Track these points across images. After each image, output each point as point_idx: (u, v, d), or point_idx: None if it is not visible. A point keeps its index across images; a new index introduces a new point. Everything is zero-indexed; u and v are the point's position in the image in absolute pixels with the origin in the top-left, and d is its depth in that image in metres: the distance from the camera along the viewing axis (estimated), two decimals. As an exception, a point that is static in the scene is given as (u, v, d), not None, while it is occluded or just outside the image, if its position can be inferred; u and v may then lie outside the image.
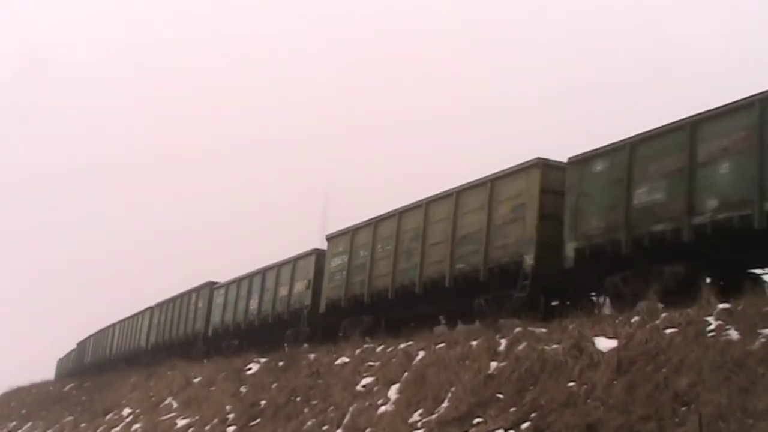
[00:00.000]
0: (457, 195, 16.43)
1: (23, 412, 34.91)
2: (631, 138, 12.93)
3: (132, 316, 36.34)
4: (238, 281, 26.28)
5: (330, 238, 21.11)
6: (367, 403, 13.44)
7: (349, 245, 19.86)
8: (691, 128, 11.88)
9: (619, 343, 10.18)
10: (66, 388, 37.33)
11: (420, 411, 11.95)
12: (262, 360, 20.33)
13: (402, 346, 15.08)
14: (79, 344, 47.63)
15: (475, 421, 10.47)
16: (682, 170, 11.86)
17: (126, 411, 24.49)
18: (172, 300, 31.39)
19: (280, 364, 18.80)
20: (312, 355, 17.90)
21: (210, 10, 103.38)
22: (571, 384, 9.98)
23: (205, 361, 24.74)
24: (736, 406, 7.58)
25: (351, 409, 13.64)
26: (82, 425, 25.87)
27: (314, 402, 15.25)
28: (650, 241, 12.28)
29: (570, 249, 13.61)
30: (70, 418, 28.17)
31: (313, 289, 21.60)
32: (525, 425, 9.62)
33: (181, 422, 19.57)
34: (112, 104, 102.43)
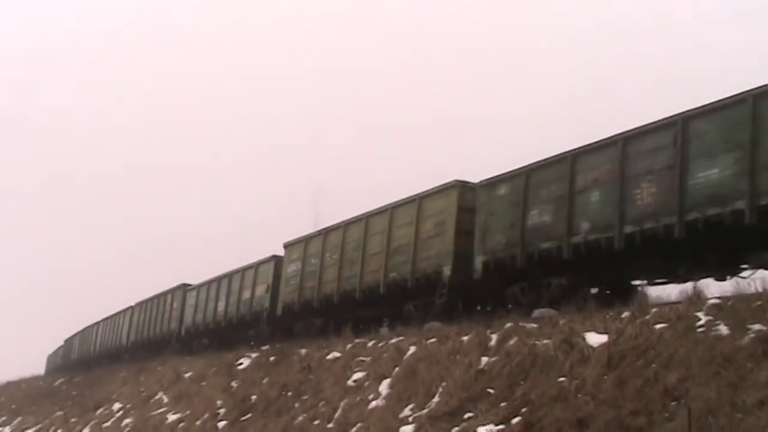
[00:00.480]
0: (391, 210, 18.19)
1: (13, 407, 34.77)
2: (527, 166, 14.82)
3: (114, 315, 37.41)
4: (208, 284, 27.66)
5: (286, 246, 22.63)
6: (358, 398, 13.45)
7: (303, 253, 21.53)
8: (572, 160, 13.75)
9: (609, 338, 10.22)
10: (56, 383, 37.21)
11: (411, 406, 11.96)
12: (254, 355, 20.32)
13: (393, 341, 15.09)
14: (66, 341, 47.88)
15: (466, 415, 10.49)
16: (564, 197, 13.74)
17: (116, 406, 24.43)
18: (150, 300, 32.67)
19: (272, 359, 18.78)
20: (303, 350, 17.89)
21: (198, 15, 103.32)
22: (562, 379, 10.01)
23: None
24: (726, 400, 7.61)
25: (342, 403, 13.65)
26: (72, 420, 25.78)
27: (305, 397, 15.25)
28: (539, 256, 14.17)
29: (479, 262, 15.43)
30: (60, 413, 28.07)
31: (271, 293, 23.10)
32: (515, 420, 9.63)
33: (171, 417, 19.54)
34: (101, 109, 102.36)
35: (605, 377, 9.49)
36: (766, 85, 11.12)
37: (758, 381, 7.69)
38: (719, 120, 11.63)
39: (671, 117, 12.27)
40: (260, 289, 23.94)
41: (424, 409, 11.57)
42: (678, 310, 10.22)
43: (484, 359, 11.82)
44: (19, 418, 31.44)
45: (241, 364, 20.20)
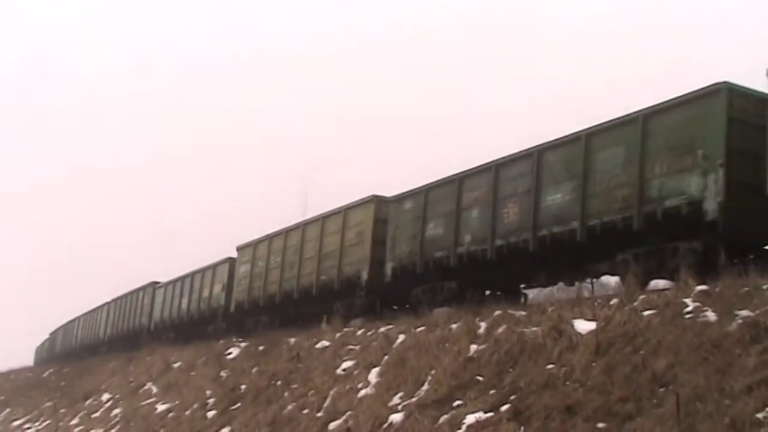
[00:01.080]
0: (323, 220, 20.70)
1: (2, 398, 34.67)
2: (426, 185, 17.24)
3: (93, 310, 39.41)
4: (174, 282, 29.96)
5: (239, 249, 25.16)
6: (347, 387, 13.44)
7: (252, 256, 23.96)
8: (459, 182, 16.18)
9: (597, 325, 10.22)
10: (45, 374, 37.13)
11: (400, 394, 11.95)
12: (243, 344, 20.30)
13: (382, 329, 15.09)
14: (51, 334, 48.31)
15: (455, 403, 10.48)
16: (453, 213, 16.11)
17: (105, 396, 24.39)
18: (124, 297, 34.97)
19: (261, 348, 18.77)
20: (292, 340, 17.88)
21: (192, 12, 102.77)
22: (551, 366, 10.01)
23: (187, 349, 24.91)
24: (713, 386, 7.62)
25: (331, 392, 13.64)
26: (62, 410, 25.74)
27: (294, 386, 15.24)
28: (434, 264, 16.55)
29: (389, 267, 17.87)
30: (49, 403, 28.02)
31: (226, 292, 25.55)
32: (504, 407, 9.62)
33: (161, 407, 19.51)
34: (92, 102, 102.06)
35: (594, 364, 9.49)
36: (596, 126, 13.47)
37: (746, 367, 7.70)
38: (563, 153, 14.01)
39: (530, 149, 14.61)
40: (217, 288, 26.26)
41: (413, 397, 11.56)
42: (666, 296, 10.23)
43: (473, 347, 11.82)
44: (8, 410, 31.38)
45: (230, 353, 20.18)
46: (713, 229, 11.40)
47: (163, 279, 31.73)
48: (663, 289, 10.90)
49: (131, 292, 33.96)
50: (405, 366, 12.64)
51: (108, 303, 36.70)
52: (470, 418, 9.79)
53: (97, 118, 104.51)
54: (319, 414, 13.16)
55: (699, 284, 10.19)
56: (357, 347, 15.02)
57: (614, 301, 10.90)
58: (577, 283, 14.33)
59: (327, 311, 19.03)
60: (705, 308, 9.32)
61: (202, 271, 27.59)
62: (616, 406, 8.34)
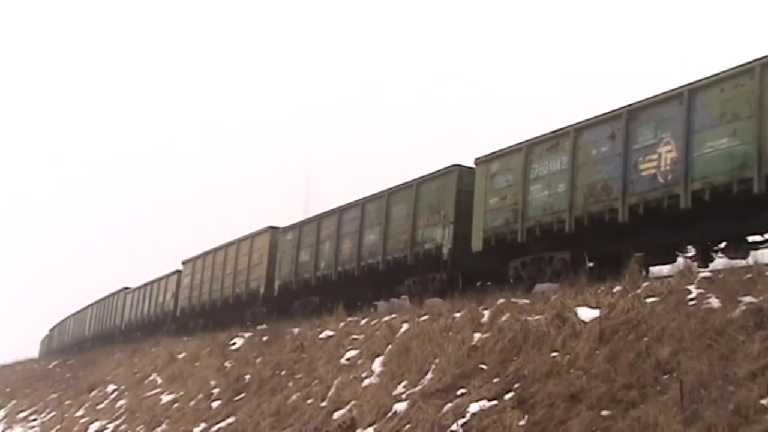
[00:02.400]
0: (238, 243, 25.62)
1: (7, 390, 34.79)
2: (301, 221, 22.58)
3: (81, 310, 42.86)
4: (139, 288, 34.25)
5: (183, 263, 29.94)
6: (351, 376, 13.46)
7: (192, 270, 28.76)
8: (319, 220, 21.29)
9: (601, 312, 10.22)
10: (50, 366, 37.23)
11: (404, 383, 11.97)
12: (247, 335, 20.34)
13: (386, 319, 15.10)
14: (51, 330, 49.36)
15: (459, 392, 10.50)
16: (314, 244, 21.15)
17: (111, 387, 24.47)
18: (103, 300, 39.06)
19: (265, 338, 18.80)
20: (296, 330, 17.91)
21: (199, 10, 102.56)
22: (554, 354, 10.02)
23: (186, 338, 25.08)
24: (717, 373, 7.62)
25: (335, 382, 13.66)
26: (67, 402, 25.82)
27: (299, 376, 15.27)
28: (303, 283, 21.54)
29: (276, 285, 22.87)
30: (55, 395, 28.12)
31: (174, 299, 30.09)
32: (508, 396, 9.64)
33: (166, 398, 19.57)
34: (100, 100, 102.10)
35: (597, 352, 9.49)
36: (391, 187, 18.45)
37: (750, 353, 7.69)
38: (376, 204, 18.88)
39: (357, 200, 19.63)
40: (168, 296, 30.95)
41: (417, 386, 11.58)
42: (669, 284, 10.22)
43: (477, 336, 11.83)
44: (14, 401, 31.49)
45: (234, 344, 20.22)
46: (446, 265, 16.40)
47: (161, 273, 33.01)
48: (666, 276, 10.88)
49: (109, 296, 38.35)
50: (409, 355, 12.65)
51: (91, 305, 41.08)
52: (474, 407, 9.81)
53: (98, 118, 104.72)
54: (324, 403, 13.19)
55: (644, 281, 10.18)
56: (361, 337, 15.04)
57: (617, 288, 10.89)
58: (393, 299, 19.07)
59: (241, 318, 23.70)
60: (708, 295, 9.31)
61: (158, 280, 32.22)
62: (620, 393, 8.35)
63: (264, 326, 20.71)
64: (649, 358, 8.65)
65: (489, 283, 15.74)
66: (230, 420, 15.41)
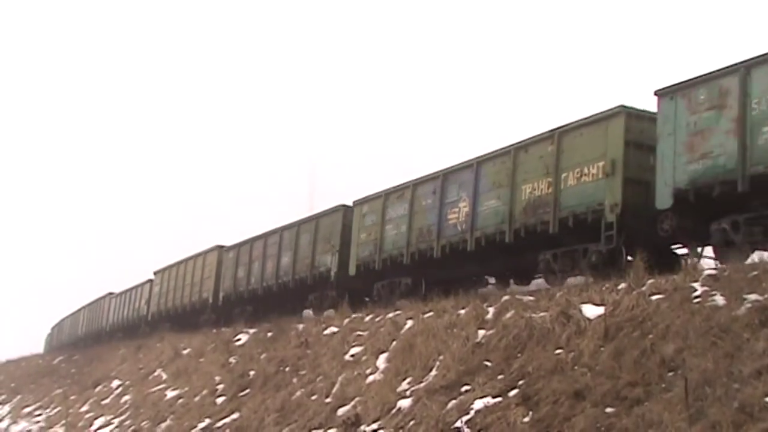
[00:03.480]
0: (195, 258, 29.78)
1: (12, 385, 34.88)
2: (239, 243, 26.39)
3: (73, 314, 46.38)
4: (122, 294, 37.71)
5: (155, 273, 33.72)
6: (355, 373, 13.48)
7: (161, 279, 32.64)
8: (251, 243, 25.47)
9: (605, 309, 10.21)
10: (55, 362, 37.33)
11: (408, 379, 11.99)
12: (251, 331, 20.37)
13: (390, 315, 15.11)
14: (53, 328, 50.13)
15: (464, 388, 10.50)
16: (247, 263, 25.32)
17: (115, 383, 24.54)
18: (92, 304, 42.53)
19: (269, 334, 18.83)
20: (301, 326, 17.94)
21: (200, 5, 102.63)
22: (559, 351, 10.02)
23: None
24: (722, 371, 7.61)
25: (340, 378, 13.68)
26: (72, 397, 25.90)
27: (303, 372, 15.29)
28: (240, 295, 25.44)
29: (221, 295, 26.96)
30: (60, 390, 28.20)
31: (148, 305, 33.72)
32: (513, 392, 9.65)
33: (170, 393, 19.62)
34: (106, 97, 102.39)
35: (602, 349, 9.49)
36: (300, 219, 23.10)
37: (755, 351, 7.69)
38: (292, 232, 23.04)
39: (277, 228, 24.01)
40: (142, 302, 34.38)
41: (421, 382, 11.60)
42: (674, 281, 10.21)
43: (481, 332, 11.83)
44: (19, 397, 31.57)
45: (239, 340, 20.26)
46: (333, 285, 20.26)
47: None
48: (671, 274, 10.87)
49: (96, 300, 41.94)
50: (413, 351, 12.66)
51: (83, 307, 44.53)
52: (478, 404, 9.82)
53: (104, 115, 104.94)
54: (328, 400, 13.21)
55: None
56: (365, 333, 15.05)
57: (622, 285, 10.88)
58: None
59: (196, 323, 26.79)
60: (713, 292, 9.30)
61: (136, 288, 35.94)
62: (624, 390, 8.35)
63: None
64: (654, 355, 8.65)
65: (367, 299, 19.27)
66: (235, 416, 15.45)
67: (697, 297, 9.40)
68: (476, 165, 16.08)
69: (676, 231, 12.55)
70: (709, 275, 9.97)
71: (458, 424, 9.70)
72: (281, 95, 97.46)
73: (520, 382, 9.83)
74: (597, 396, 8.53)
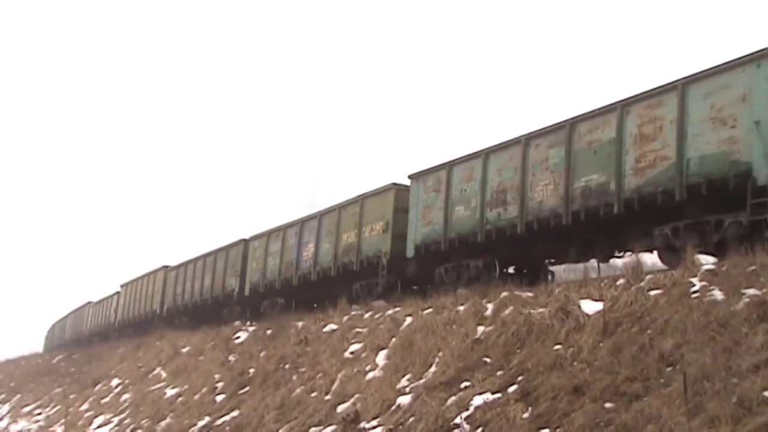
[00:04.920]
0: (148, 276, 34.00)
1: (12, 384, 34.89)
2: (180, 263, 30.94)
3: (63, 318, 48.61)
4: (103, 300, 40.85)
5: (121, 286, 37.19)
6: (355, 370, 13.49)
7: (128, 291, 36.14)
8: (195, 262, 29.78)
9: (604, 305, 10.23)
10: (54, 361, 37.32)
11: (408, 376, 12.00)
12: (251, 329, 20.37)
13: (389, 312, 15.13)
14: (51, 327, 50.44)
15: (463, 385, 10.52)
16: (186, 281, 29.92)
17: (115, 381, 24.54)
18: (77, 310, 45.72)
19: (269, 332, 18.83)
20: (300, 323, 17.94)
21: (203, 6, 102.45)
22: (558, 347, 10.04)
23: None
24: (721, 365, 7.63)
25: (339, 375, 13.69)
26: (71, 396, 25.89)
27: (303, 369, 15.30)
28: (177, 307, 30.15)
29: (165, 307, 31.30)
30: (59, 389, 28.18)
31: (115, 314, 37.17)
32: (512, 388, 9.66)
33: (170, 392, 19.62)
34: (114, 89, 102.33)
35: (601, 344, 9.51)
36: (218, 249, 27.28)
37: (753, 345, 7.70)
38: (210, 259, 28.23)
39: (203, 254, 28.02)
40: (112, 311, 38.26)
41: (421, 379, 11.61)
42: (673, 276, 10.23)
43: (480, 329, 11.85)
44: (18, 396, 31.57)
45: (238, 338, 20.26)
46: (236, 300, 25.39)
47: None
48: (669, 269, 10.89)
49: (79, 308, 45.47)
50: (412, 348, 12.68)
51: (69, 313, 47.67)
52: (478, 400, 9.83)
53: (111, 116, 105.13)
54: (328, 397, 13.22)
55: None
56: (364, 330, 15.07)
57: (621, 281, 10.89)
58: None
59: (149, 330, 29.28)
60: (712, 287, 9.32)
61: (107, 298, 39.41)
62: (623, 386, 8.36)
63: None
64: (653, 350, 8.67)
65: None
66: (234, 413, 15.45)
67: (695, 292, 9.42)
68: (319, 216, 22.34)
69: (416, 272, 18.06)
70: (708, 270, 9.99)
71: (458, 420, 9.70)
72: (281, 102, 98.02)
73: (520, 378, 9.84)
74: (596, 391, 8.54)
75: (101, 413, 21.75)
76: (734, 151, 11.49)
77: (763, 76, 11.24)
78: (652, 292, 9.96)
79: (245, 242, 25.98)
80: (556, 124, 14.76)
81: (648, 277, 10.62)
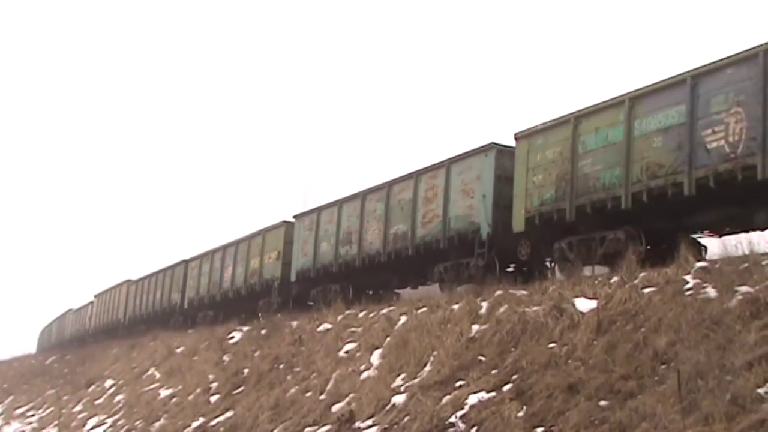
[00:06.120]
0: (113, 290, 36.71)
1: (5, 386, 34.75)
2: (139, 277, 33.74)
3: (50, 324, 50.16)
4: (82, 307, 43.17)
5: (95, 296, 39.60)
6: (350, 369, 13.49)
7: (102, 300, 38.56)
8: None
9: (598, 303, 10.25)
10: (48, 362, 37.22)
11: (403, 375, 12.00)
12: (245, 328, 20.34)
13: (384, 311, 15.13)
14: (42, 330, 50.73)
15: (458, 384, 10.53)
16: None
17: (109, 382, 24.48)
18: (61, 316, 47.92)
19: (263, 332, 18.81)
20: (294, 323, 17.93)
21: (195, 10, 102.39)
22: (552, 345, 10.05)
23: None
24: (714, 363, 7.65)
25: (334, 375, 13.69)
26: (65, 397, 25.83)
27: (297, 369, 15.29)
28: (138, 316, 32.54)
29: (127, 316, 34.05)
30: (53, 391, 28.11)
31: (90, 321, 39.94)
32: (507, 387, 9.67)
33: (164, 392, 19.58)
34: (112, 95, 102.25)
35: (595, 342, 9.53)
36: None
37: (746, 343, 7.72)
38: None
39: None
40: (87, 318, 40.82)
41: (415, 378, 11.62)
42: (666, 274, 10.25)
43: (475, 327, 11.86)
44: (11, 397, 31.45)
45: (232, 338, 20.23)
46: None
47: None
48: (663, 267, 10.92)
49: (61, 315, 47.62)
50: (407, 347, 12.68)
51: (55, 320, 49.62)
52: (473, 399, 9.84)
53: (103, 119, 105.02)
54: (322, 396, 13.22)
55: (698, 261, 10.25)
56: (359, 329, 15.06)
57: (615, 279, 10.92)
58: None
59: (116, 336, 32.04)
60: (705, 285, 9.35)
61: (85, 306, 42.11)
62: (617, 383, 8.38)
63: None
64: (647, 348, 8.69)
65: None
66: (229, 414, 15.43)
67: (689, 290, 9.45)
68: (236, 244, 26.07)
69: (298, 293, 21.75)
70: (701, 268, 10.01)
71: (453, 419, 9.71)
72: (278, 100, 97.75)
73: (514, 377, 9.85)
74: (590, 390, 8.55)
75: (95, 414, 21.70)
76: (472, 214, 15.87)
77: (488, 163, 15.66)
78: (646, 290, 9.99)
79: (186, 263, 29.76)
80: (380, 184, 19.14)
81: (642, 275, 10.64)
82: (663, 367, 8.23)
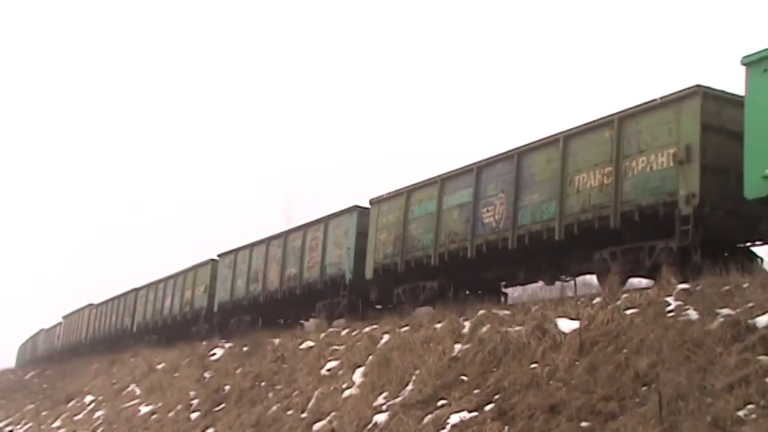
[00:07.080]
0: (81, 312, 37.81)
1: (-17, 401, 34.35)
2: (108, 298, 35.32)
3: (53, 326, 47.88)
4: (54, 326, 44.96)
5: (63, 317, 41.50)
6: (331, 387, 13.43)
7: (71, 321, 40.36)
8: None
9: (581, 324, 10.26)
10: (27, 377, 36.85)
11: (385, 394, 11.95)
12: (227, 345, 20.23)
13: (366, 329, 15.08)
14: (20, 347, 53.85)
15: (440, 403, 10.49)
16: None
17: (88, 398, 24.24)
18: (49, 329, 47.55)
19: (245, 349, 18.71)
20: (276, 340, 17.84)
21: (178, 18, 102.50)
22: (534, 365, 10.04)
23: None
24: (695, 385, 7.67)
25: (316, 393, 13.61)
26: (44, 413, 25.56)
27: (279, 387, 15.20)
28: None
29: (88, 338, 36.46)
30: (32, 406, 27.82)
31: (59, 340, 41.75)
32: (489, 407, 9.65)
33: (144, 409, 19.41)
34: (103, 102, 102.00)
35: (577, 363, 9.53)
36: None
37: (727, 365, 7.76)
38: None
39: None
40: (56, 338, 43.38)
41: (397, 397, 11.57)
42: (648, 295, 10.29)
43: (458, 347, 11.83)
44: (-10, 412, 31.08)
45: (214, 354, 20.11)
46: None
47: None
48: (645, 288, 10.97)
49: (35, 334, 49.56)
50: (389, 366, 12.63)
51: (30, 338, 51.56)
52: (455, 418, 9.81)
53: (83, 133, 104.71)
54: (304, 415, 13.14)
55: (680, 282, 10.31)
56: (341, 347, 15.00)
57: (597, 300, 10.94)
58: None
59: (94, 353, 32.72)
60: (687, 307, 9.38)
61: (54, 326, 44.39)
62: (599, 405, 8.38)
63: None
64: (629, 369, 8.70)
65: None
66: (210, 431, 15.31)
67: (670, 311, 9.48)
68: (175, 277, 28.93)
69: (219, 322, 24.84)
70: (683, 290, 10.05)
71: (434, 438, 9.68)
72: (262, 113, 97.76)
73: (496, 397, 9.84)
74: (572, 410, 8.55)
75: (74, 430, 21.47)
76: (341, 262, 19.35)
77: (352, 221, 19.21)
78: (628, 311, 10.00)
79: (136, 291, 32.61)
80: (279, 233, 22.77)
81: (624, 296, 10.68)
82: (644, 388, 8.24)
